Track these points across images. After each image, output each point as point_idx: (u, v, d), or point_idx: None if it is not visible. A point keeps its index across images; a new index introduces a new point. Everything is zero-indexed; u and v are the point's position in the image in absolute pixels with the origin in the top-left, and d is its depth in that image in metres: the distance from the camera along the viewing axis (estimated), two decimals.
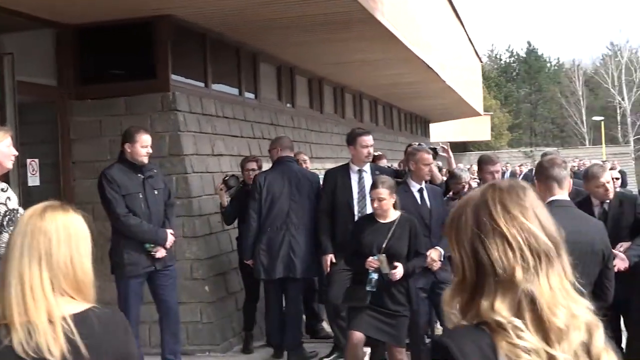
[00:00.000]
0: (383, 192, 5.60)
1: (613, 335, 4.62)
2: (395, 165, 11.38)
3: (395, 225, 5.65)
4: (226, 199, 7.43)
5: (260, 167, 7.64)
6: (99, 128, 7.98)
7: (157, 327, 6.56)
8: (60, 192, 7.71)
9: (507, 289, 1.53)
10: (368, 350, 6.41)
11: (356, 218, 6.51)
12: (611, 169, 16.27)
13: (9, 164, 4.52)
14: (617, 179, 7.43)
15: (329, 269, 6.68)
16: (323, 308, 7.71)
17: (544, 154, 6.27)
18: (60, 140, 7.95)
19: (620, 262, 5.09)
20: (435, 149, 7.49)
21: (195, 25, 8.61)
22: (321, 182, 7.14)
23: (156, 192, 6.23)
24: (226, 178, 7.49)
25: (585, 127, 59.78)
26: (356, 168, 6.78)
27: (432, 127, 28.05)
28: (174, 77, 8.16)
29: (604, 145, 44.54)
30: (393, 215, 5.70)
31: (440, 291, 6.36)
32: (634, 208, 5.76)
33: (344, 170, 6.88)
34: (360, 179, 6.72)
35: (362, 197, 6.63)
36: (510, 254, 1.54)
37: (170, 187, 6.80)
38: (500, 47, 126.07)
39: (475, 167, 9.04)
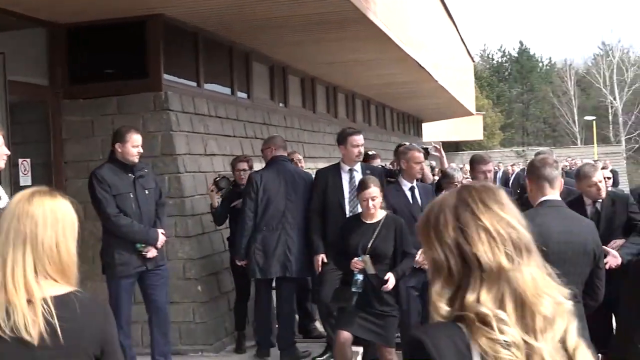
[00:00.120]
0: (375, 191, 5.62)
1: (604, 333, 4.63)
2: (389, 164, 11.38)
3: (381, 226, 5.66)
4: (217, 200, 7.43)
5: (251, 167, 7.63)
6: (91, 128, 7.96)
7: (147, 326, 6.55)
8: None
9: (492, 282, 1.57)
10: (360, 349, 6.41)
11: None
12: (603, 168, 16.31)
13: (1, 164, 4.51)
14: (608, 178, 7.45)
15: (320, 268, 6.68)
16: (316, 308, 7.72)
17: (538, 153, 6.29)
18: (52, 140, 7.93)
19: (613, 260, 5.10)
20: (427, 149, 7.50)
21: (187, 24, 8.60)
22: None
23: (147, 192, 6.22)
24: (217, 179, 7.48)
25: (577, 126, 59.95)
26: (347, 167, 6.79)
27: (425, 126, 28.09)
28: (166, 76, 8.15)
29: (595, 144, 44.68)
30: (379, 215, 5.71)
31: None
32: (627, 207, 5.79)
33: (335, 169, 6.88)
34: (352, 178, 6.72)
35: (353, 196, 6.63)
36: (495, 247, 1.59)
37: (162, 187, 6.78)
38: (492, 46, 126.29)
39: (467, 167, 9.05)
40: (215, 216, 7.53)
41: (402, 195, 6.39)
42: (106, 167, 6.11)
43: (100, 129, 7.88)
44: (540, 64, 70.58)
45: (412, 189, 6.46)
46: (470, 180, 6.81)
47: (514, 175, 21.81)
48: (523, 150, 46.83)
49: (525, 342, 1.55)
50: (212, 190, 7.43)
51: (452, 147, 42.83)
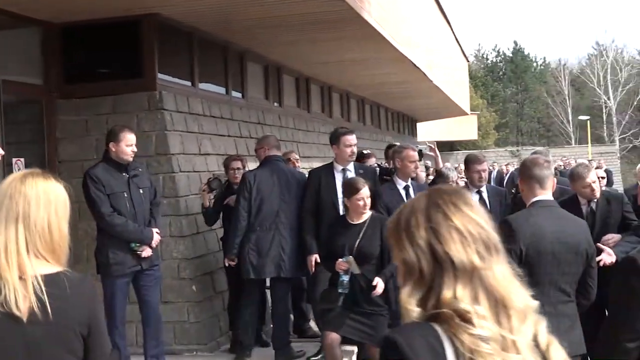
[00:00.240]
0: (367, 191, 5.66)
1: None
2: (385, 162, 11.38)
3: (367, 226, 5.68)
4: (208, 200, 7.42)
5: (244, 167, 7.62)
6: (85, 127, 7.95)
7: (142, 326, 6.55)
8: None
9: (466, 280, 1.61)
10: (355, 349, 6.42)
11: None
12: (597, 168, 16.36)
13: None
14: (603, 178, 7.47)
15: (313, 268, 6.68)
16: (310, 307, 7.72)
17: (534, 153, 6.30)
18: (46, 140, 7.91)
19: (607, 257, 5.12)
20: (421, 150, 7.51)
21: (182, 24, 8.59)
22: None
23: (141, 191, 6.22)
24: (210, 180, 7.48)
25: (571, 126, 60.07)
26: (340, 167, 6.79)
27: (420, 126, 28.11)
28: (160, 76, 8.13)
29: (589, 144, 44.78)
30: (365, 215, 5.72)
31: None
32: (621, 206, 5.81)
33: (328, 169, 6.87)
34: (345, 178, 6.72)
35: None
36: (466, 246, 1.64)
37: (156, 186, 6.78)
38: (487, 46, 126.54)
39: (462, 166, 9.07)
40: (206, 216, 7.52)
41: (396, 194, 6.41)
42: (100, 167, 6.11)
43: (95, 129, 7.87)
44: (535, 64, 70.72)
45: (406, 188, 6.47)
46: (466, 180, 6.83)
47: (508, 175, 21.84)
48: (517, 150, 46.93)
49: (502, 336, 1.59)
50: (203, 190, 7.42)
51: (446, 147, 42.87)
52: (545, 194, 4.06)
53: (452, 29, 21.77)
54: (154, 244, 6.18)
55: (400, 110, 23.11)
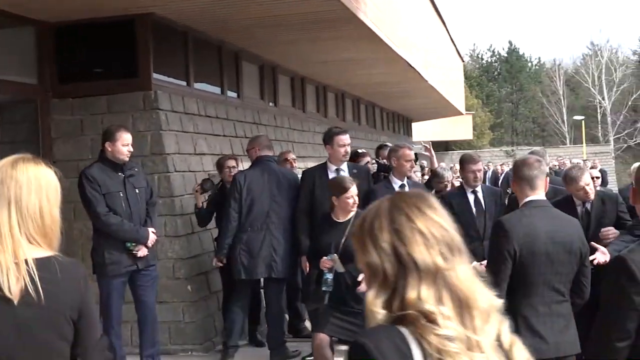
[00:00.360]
0: (355, 190, 5.69)
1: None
2: (382, 160, 11.38)
3: (352, 224, 5.69)
4: (202, 201, 7.41)
5: (239, 166, 7.62)
6: (80, 127, 7.94)
7: (137, 326, 6.54)
8: None
9: (430, 281, 1.64)
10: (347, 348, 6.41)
11: None
12: (592, 167, 16.41)
13: None
14: (597, 178, 7.48)
15: (308, 268, 6.68)
16: (305, 307, 7.72)
17: (531, 152, 6.31)
18: (41, 139, 7.89)
19: (601, 256, 5.13)
20: (416, 154, 7.51)
21: (177, 23, 8.58)
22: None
23: (137, 191, 6.21)
24: (203, 180, 7.47)
25: (566, 126, 60.14)
26: (334, 167, 6.79)
27: (415, 126, 28.13)
28: (155, 75, 8.13)
29: (584, 144, 44.85)
30: (351, 213, 5.74)
31: None
32: (616, 206, 5.81)
33: (322, 169, 6.87)
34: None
35: None
36: (429, 248, 1.66)
37: (152, 186, 6.77)
38: (482, 46, 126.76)
39: (457, 166, 9.08)
40: (199, 217, 7.51)
41: (391, 192, 6.38)
42: (96, 166, 6.10)
43: (90, 128, 7.86)
44: (530, 64, 70.78)
45: (402, 187, 6.47)
46: (461, 179, 6.83)
47: (503, 175, 21.88)
48: (512, 150, 46.97)
49: (466, 336, 1.61)
50: (197, 191, 7.42)
51: (441, 147, 42.91)
52: (537, 194, 4.05)
53: (447, 29, 21.80)
54: (149, 243, 6.17)
55: (395, 110, 23.12)
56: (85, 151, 7.77)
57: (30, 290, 2.21)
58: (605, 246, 5.42)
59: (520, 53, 70.00)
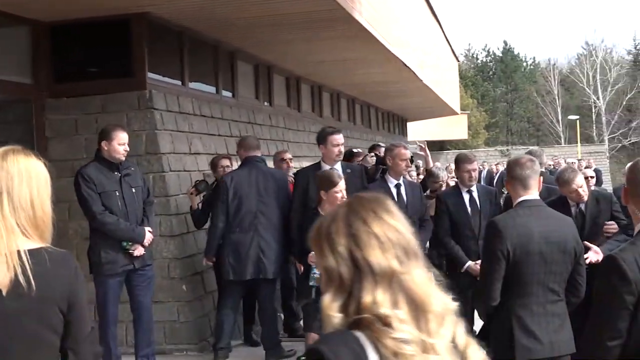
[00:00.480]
0: (343, 184, 5.72)
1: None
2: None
3: None
4: (197, 202, 7.41)
5: (233, 165, 7.62)
6: (74, 126, 7.93)
7: (132, 326, 6.53)
8: None
9: (385, 285, 1.64)
10: None
11: None
12: (586, 167, 16.42)
13: None
14: (592, 177, 7.48)
15: (302, 268, 6.68)
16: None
17: (528, 152, 6.32)
18: (35, 139, 7.88)
19: (594, 255, 5.15)
20: (412, 156, 7.50)
21: (172, 23, 8.57)
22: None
23: (134, 190, 6.21)
24: (197, 182, 7.47)
25: (560, 126, 60.25)
26: (327, 167, 6.78)
27: (410, 125, 28.14)
28: (150, 75, 8.12)
29: (579, 144, 44.94)
30: None
31: None
32: (610, 206, 5.83)
33: (316, 169, 6.86)
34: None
35: None
36: (385, 252, 1.67)
37: (149, 185, 6.77)
38: (476, 46, 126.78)
39: (452, 166, 9.10)
40: (195, 218, 7.51)
41: (386, 191, 6.40)
42: (92, 166, 6.10)
43: (85, 128, 7.84)
44: (525, 64, 70.89)
45: (398, 186, 6.47)
46: (456, 179, 6.84)
47: (498, 175, 21.93)
48: (507, 150, 47.04)
49: (421, 339, 1.62)
50: (191, 193, 7.41)
51: (436, 146, 42.95)
52: (530, 194, 4.05)
53: (442, 29, 21.81)
54: (146, 242, 6.17)
55: (390, 109, 23.13)
56: (79, 151, 7.75)
57: (20, 281, 2.20)
58: (598, 245, 5.45)
59: (515, 53, 70.10)
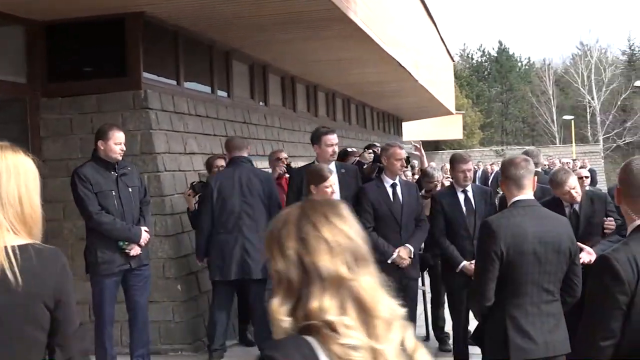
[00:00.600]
0: (333, 177, 5.72)
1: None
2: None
3: None
4: (194, 203, 7.41)
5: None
6: (69, 126, 7.91)
7: (128, 326, 6.52)
8: None
9: (333, 290, 1.64)
10: None
11: None
12: (581, 167, 16.46)
13: None
14: (586, 177, 7.50)
15: None
16: None
17: (525, 152, 6.33)
18: (30, 138, 7.86)
19: (586, 256, 5.16)
20: (408, 156, 7.49)
21: (167, 22, 8.56)
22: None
23: (130, 190, 6.21)
24: (194, 183, 7.46)
25: (555, 126, 60.36)
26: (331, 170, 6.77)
27: (405, 125, 28.17)
28: (145, 74, 8.11)
29: (574, 144, 45.03)
30: None
31: (409, 288, 6.41)
32: (605, 206, 5.84)
33: None
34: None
35: None
36: (333, 257, 1.66)
37: (146, 185, 6.77)
38: (472, 46, 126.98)
39: (447, 166, 9.09)
40: (192, 219, 7.50)
41: (382, 191, 6.41)
42: (88, 165, 6.10)
43: (79, 128, 7.83)
44: (519, 64, 70.99)
45: (393, 186, 6.47)
46: (451, 179, 6.84)
47: (493, 175, 21.96)
48: (502, 150, 47.09)
49: (370, 345, 1.62)
50: (188, 195, 7.41)
51: (431, 146, 42.98)
52: (525, 194, 4.05)
53: (437, 29, 21.82)
54: (142, 242, 6.16)
55: (385, 109, 23.15)
56: (74, 150, 7.74)
57: (7, 277, 2.20)
58: (592, 246, 5.47)
59: (510, 53, 70.22)
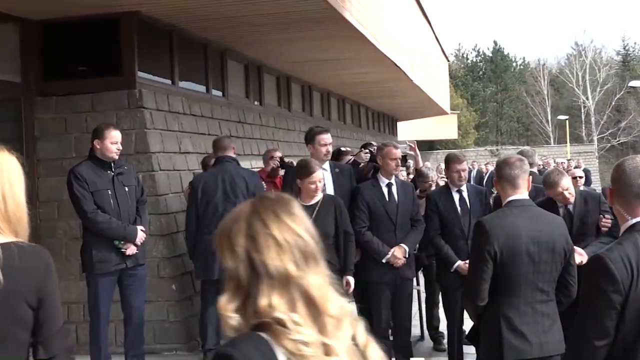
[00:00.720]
0: (320, 174, 5.70)
1: None
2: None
3: (319, 207, 5.72)
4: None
5: None
6: (64, 125, 7.90)
7: (122, 326, 6.51)
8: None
9: (282, 288, 1.65)
10: None
11: None
12: (576, 167, 16.49)
13: None
14: (580, 177, 7.52)
15: None
16: None
17: (520, 152, 6.33)
18: (24, 138, 7.84)
19: (577, 257, 5.17)
20: (405, 155, 7.49)
21: (162, 22, 8.55)
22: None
23: (127, 189, 6.20)
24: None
25: (550, 126, 60.45)
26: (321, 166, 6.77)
27: (400, 125, 28.18)
28: (140, 74, 8.10)
29: (568, 144, 45.11)
30: (317, 197, 5.76)
31: (404, 288, 6.42)
32: (599, 206, 5.85)
33: None
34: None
35: None
36: (282, 255, 1.67)
37: (143, 184, 6.76)
38: (467, 46, 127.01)
39: (442, 166, 9.10)
40: None
41: (378, 191, 6.40)
42: (85, 165, 6.09)
43: (74, 127, 7.81)
44: (514, 64, 71.06)
45: (389, 186, 6.47)
46: (446, 179, 6.85)
47: (487, 174, 21.98)
48: (497, 149, 47.15)
49: (321, 341, 1.64)
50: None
51: (426, 146, 43.02)
52: (520, 194, 4.05)
53: (432, 29, 21.82)
54: (138, 241, 6.15)
55: (380, 109, 23.15)
56: (69, 150, 7.72)
57: None
58: (586, 246, 5.48)
59: (505, 53, 70.29)
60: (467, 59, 72.18)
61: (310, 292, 1.66)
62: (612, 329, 2.66)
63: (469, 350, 5.90)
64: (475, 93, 66.48)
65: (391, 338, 6.55)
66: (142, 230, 6.22)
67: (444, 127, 38.38)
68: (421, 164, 8.07)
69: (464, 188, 6.49)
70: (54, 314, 2.36)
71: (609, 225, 5.68)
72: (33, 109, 7.92)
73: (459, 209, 6.40)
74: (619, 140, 56.98)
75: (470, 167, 23.47)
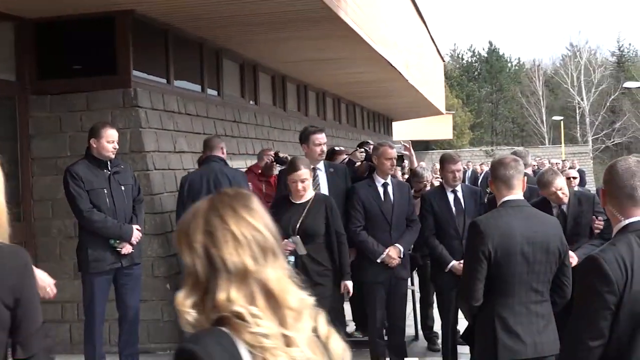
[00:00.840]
0: (305, 173, 5.69)
1: None
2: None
3: (309, 205, 5.71)
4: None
5: None
6: (58, 124, 7.88)
7: (117, 325, 6.50)
8: (19, 188, 7.60)
9: (240, 282, 1.66)
10: None
11: None
12: (570, 168, 16.52)
13: None
14: (575, 178, 7.53)
15: None
16: None
17: (513, 153, 6.34)
18: (19, 136, 7.82)
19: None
20: (402, 155, 7.48)
21: (157, 21, 8.54)
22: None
23: (123, 188, 6.20)
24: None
25: (545, 126, 60.57)
26: (310, 166, 6.76)
27: (395, 125, 28.18)
28: (135, 73, 8.08)
29: (563, 144, 45.20)
30: (308, 195, 5.75)
31: (398, 288, 6.42)
32: (593, 207, 5.86)
33: None
34: (315, 177, 6.69)
35: None
36: (240, 250, 1.68)
37: (140, 183, 6.76)
38: (462, 46, 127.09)
39: (437, 166, 9.12)
40: None
41: (373, 190, 6.40)
42: (81, 163, 6.09)
43: (68, 126, 7.80)
44: (509, 64, 71.17)
45: (384, 185, 6.47)
46: (441, 179, 6.85)
47: (482, 175, 22.00)
48: (492, 150, 47.23)
49: (281, 333, 1.65)
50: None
51: (421, 146, 43.07)
52: (514, 194, 4.05)
53: (428, 29, 21.83)
54: (134, 240, 6.15)
55: (376, 109, 23.15)
56: (63, 148, 7.71)
57: None
58: (578, 247, 5.49)
59: (500, 53, 70.39)
60: (463, 59, 72.29)
61: (269, 285, 1.67)
62: (606, 329, 2.67)
63: (463, 350, 5.92)
64: (471, 93, 66.56)
65: (385, 338, 6.55)
66: (137, 229, 6.21)
67: (439, 128, 38.42)
68: (416, 164, 8.07)
69: (458, 188, 6.50)
70: (33, 313, 2.36)
71: (602, 227, 5.69)
72: (28, 107, 7.91)
73: (453, 209, 6.41)
74: (613, 141, 57.11)
75: (465, 167, 23.52)
